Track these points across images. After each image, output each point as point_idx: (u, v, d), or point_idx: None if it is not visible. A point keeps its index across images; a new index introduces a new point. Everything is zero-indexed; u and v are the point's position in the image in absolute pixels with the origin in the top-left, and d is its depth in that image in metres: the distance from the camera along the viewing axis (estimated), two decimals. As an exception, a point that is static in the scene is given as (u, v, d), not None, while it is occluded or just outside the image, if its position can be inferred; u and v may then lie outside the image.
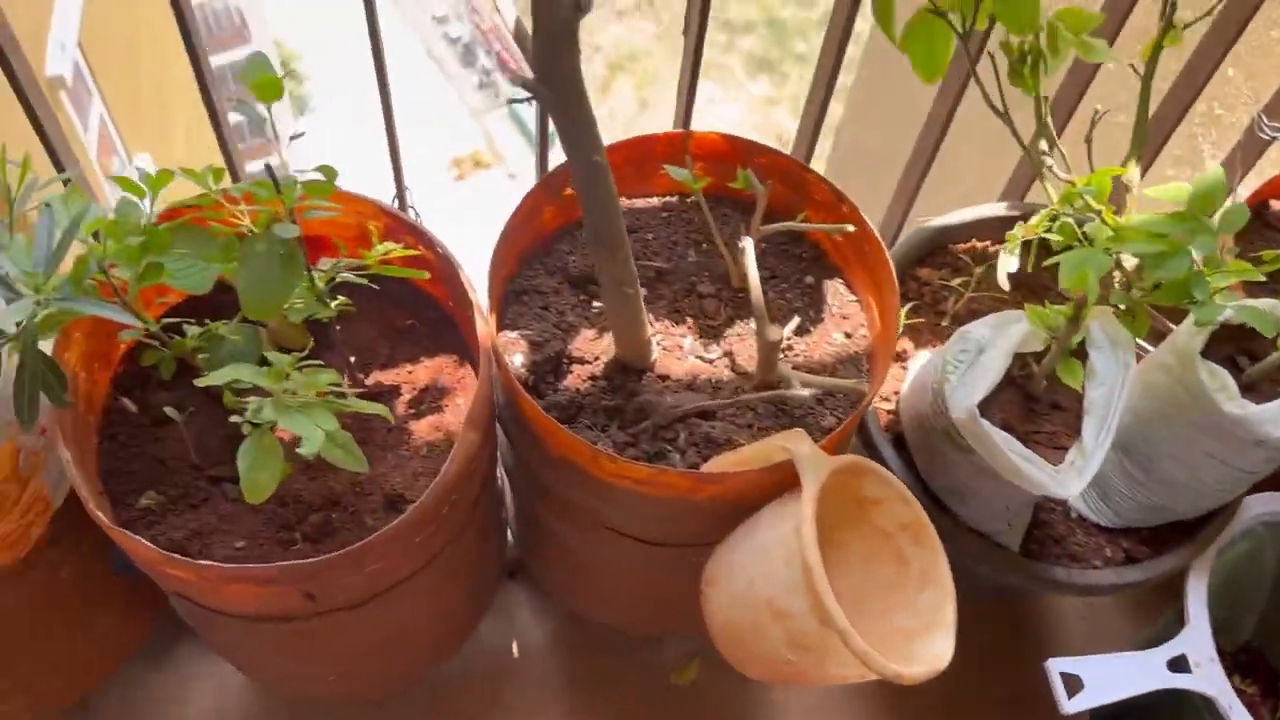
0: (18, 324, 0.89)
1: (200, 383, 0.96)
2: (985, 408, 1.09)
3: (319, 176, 0.99)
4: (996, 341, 1.09)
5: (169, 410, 1.06)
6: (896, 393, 1.32)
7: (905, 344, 1.35)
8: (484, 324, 1.06)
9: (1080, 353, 1.09)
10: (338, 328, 1.12)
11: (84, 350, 1.06)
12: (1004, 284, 1.13)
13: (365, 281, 1.02)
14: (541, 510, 1.22)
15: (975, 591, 1.23)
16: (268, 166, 0.90)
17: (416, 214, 1.31)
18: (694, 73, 1.33)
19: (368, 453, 1.13)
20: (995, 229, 1.40)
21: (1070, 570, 1.21)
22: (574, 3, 0.73)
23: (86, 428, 1.08)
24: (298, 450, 0.89)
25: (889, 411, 1.31)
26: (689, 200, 1.29)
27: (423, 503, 0.96)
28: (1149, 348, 1.28)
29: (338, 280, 1.03)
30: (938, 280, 1.38)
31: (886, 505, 1.09)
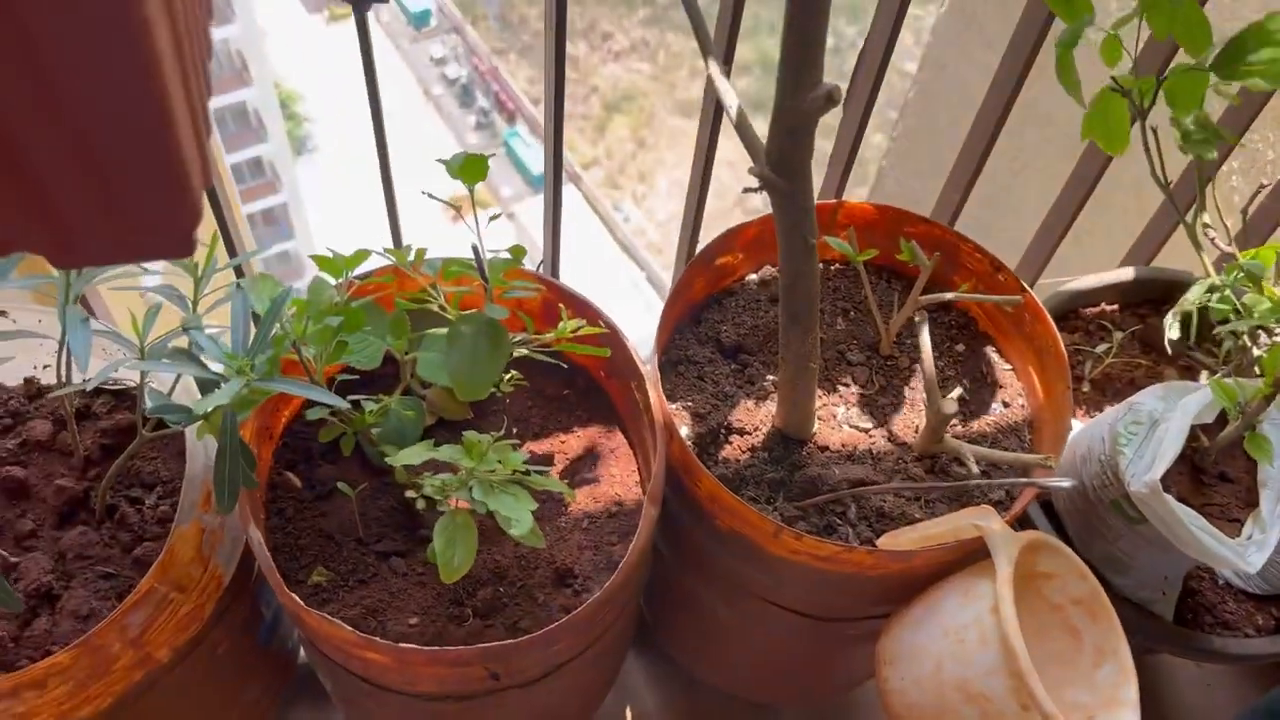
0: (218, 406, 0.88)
1: (393, 461, 0.95)
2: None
3: (506, 255, 0.99)
4: (1171, 413, 1.08)
5: (341, 485, 1.05)
6: (1037, 459, 1.31)
7: (1042, 409, 1.35)
8: (655, 395, 1.05)
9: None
10: (506, 400, 1.11)
11: (256, 427, 1.05)
12: (1169, 349, 1.13)
13: (547, 358, 1.02)
14: (691, 581, 1.21)
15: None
16: (474, 248, 0.90)
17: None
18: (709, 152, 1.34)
19: (528, 525, 1.13)
20: (1124, 294, 1.41)
21: (1226, 639, 1.20)
22: (827, 95, 0.73)
23: (256, 504, 1.07)
24: (510, 532, 0.88)
25: (1032, 478, 1.30)
26: (834, 268, 1.29)
27: (614, 582, 0.95)
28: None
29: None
30: (1070, 345, 1.38)
31: (1059, 580, 1.08)
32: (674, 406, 1.13)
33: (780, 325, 0.97)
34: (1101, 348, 1.32)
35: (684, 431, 1.11)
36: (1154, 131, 1.08)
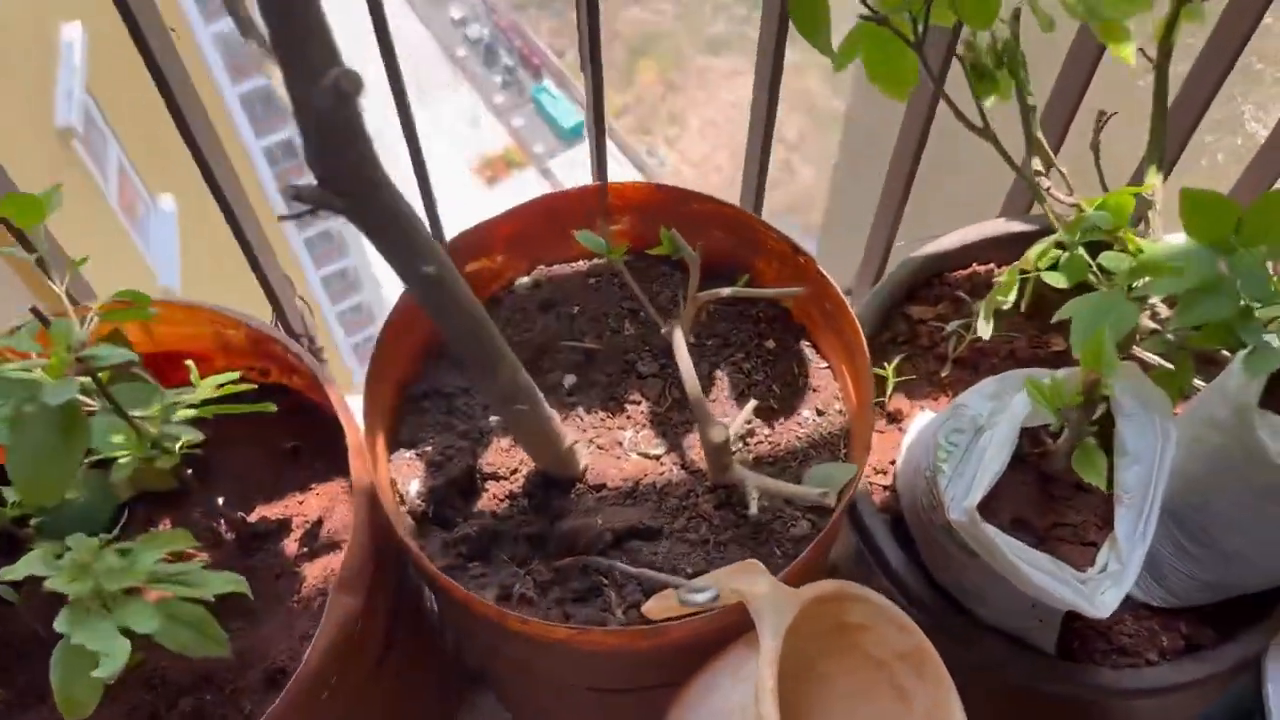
0: None
1: (5, 575, 0.77)
2: (991, 498, 0.88)
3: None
4: (998, 417, 0.87)
5: (1, 590, 0.88)
6: (893, 462, 1.10)
7: (899, 401, 1.13)
8: (359, 458, 0.86)
9: (1103, 419, 0.87)
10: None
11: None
12: (984, 333, 0.91)
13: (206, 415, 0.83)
14: (477, 652, 1.03)
15: (1013, 690, 1.02)
16: (34, 310, 0.72)
17: (307, 307, 1.11)
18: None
19: (255, 609, 0.95)
20: (999, 251, 1.18)
21: (1120, 672, 0.99)
22: (334, 90, 0.53)
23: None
24: (94, 675, 0.70)
25: (884, 487, 1.09)
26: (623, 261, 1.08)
27: (282, 702, 0.77)
28: (1197, 384, 1.05)
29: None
30: (933, 318, 1.16)
31: (876, 632, 0.88)
32: (410, 455, 0.94)
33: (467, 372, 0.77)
34: (955, 324, 1.09)
35: (415, 487, 0.92)
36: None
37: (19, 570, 0.75)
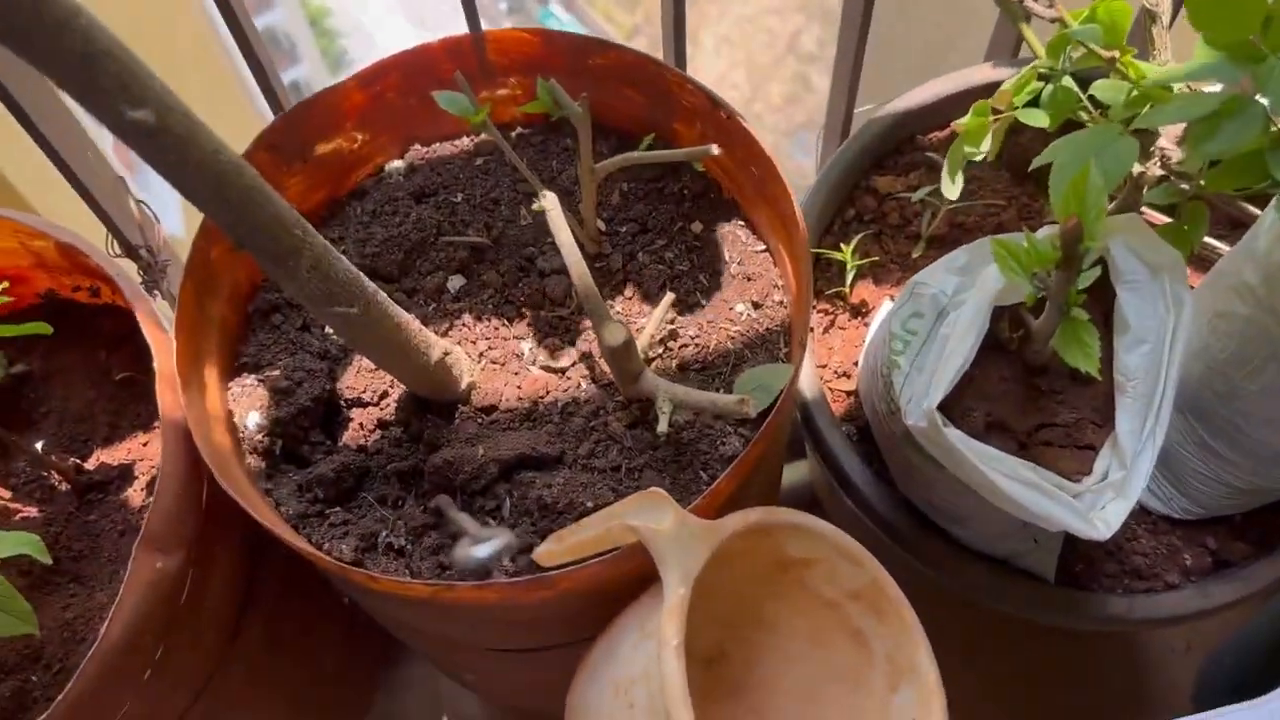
0: None
1: None
2: (959, 396, 0.70)
3: None
4: (964, 295, 0.69)
5: None
6: (857, 363, 0.92)
7: (865, 291, 0.95)
8: (167, 389, 0.70)
9: (1100, 291, 0.69)
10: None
11: None
12: (949, 193, 0.73)
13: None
14: (377, 617, 0.88)
15: (1005, 624, 0.86)
16: None
17: (151, 213, 0.94)
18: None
19: (90, 572, 0.80)
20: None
21: (1134, 598, 0.82)
22: None
23: None
24: None
25: (848, 393, 0.92)
26: (515, 134, 0.90)
27: (72, 690, 0.62)
28: (1219, 248, 0.87)
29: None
30: (904, 190, 0.97)
31: (823, 566, 0.71)
32: (251, 380, 0.78)
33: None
34: (923, 191, 0.90)
35: (255, 420, 0.76)
36: None
37: None
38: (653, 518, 0.62)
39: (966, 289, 0.69)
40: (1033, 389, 0.72)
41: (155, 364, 0.70)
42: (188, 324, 0.72)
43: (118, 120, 0.46)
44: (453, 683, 1.26)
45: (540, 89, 0.72)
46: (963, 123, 0.72)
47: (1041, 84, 0.75)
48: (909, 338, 0.70)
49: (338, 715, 1.04)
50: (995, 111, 0.76)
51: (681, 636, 0.59)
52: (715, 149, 0.70)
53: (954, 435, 0.64)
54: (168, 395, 0.69)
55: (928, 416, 0.64)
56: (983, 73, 0.98)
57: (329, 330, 0.80)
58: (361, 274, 0.64)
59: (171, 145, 0.48)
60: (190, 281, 0.73)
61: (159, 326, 0.73)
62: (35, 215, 0.78)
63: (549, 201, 0.68)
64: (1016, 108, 0.75)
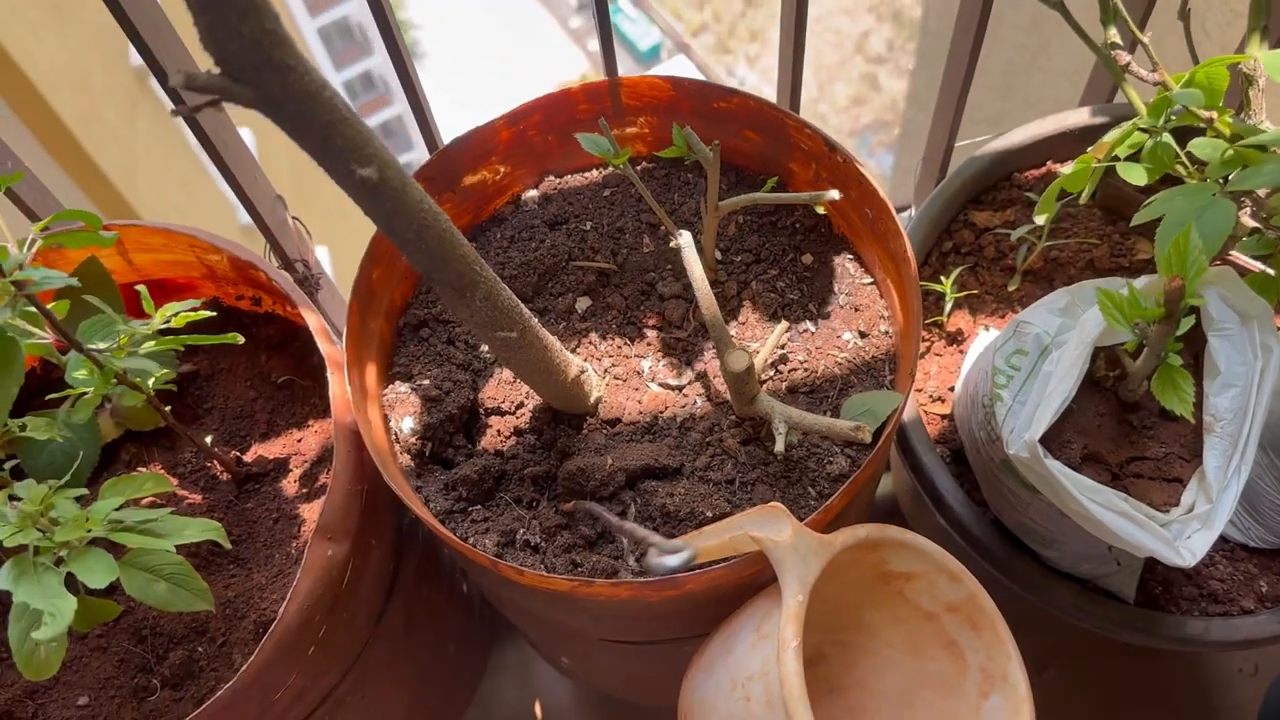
0: None
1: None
2: (1058, 429, 0.76)
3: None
4: (1066, 335, 0.74)
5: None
6: (953, 388, 0.98)
7: (961, 320, 1.01)
8: (340, 394, 0.78)
9: (1191, 334, 0.74)
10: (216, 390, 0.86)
11: None
12: (1039, 219, 0.78)
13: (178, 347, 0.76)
14: (496, 604, 0.96)
15: (1086, 642, 0.91)
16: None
17: (304, 229, 1.03)
18: None
19: (249, 555, 0.89)
20: (1076, 146, 1.03)
21: (1210, 621, 0.87)
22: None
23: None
24: (34, 636, 0.64)
25: (943, 416, 0.98)
26: (640, 167, 0.97)
27: (255, 661, 0.70)
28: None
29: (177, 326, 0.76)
30: (1001, 225, 1.03)
31: (923, 580, 0.77)
32: (405, 389, 0.86)
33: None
34: (1023, 228, 0.96)
35: (409, 424, 0.84)
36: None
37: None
38: (773, 529, 0.69)
39: (1068, 329, 0.75)
40: (1125, 424, 0.77)
41: (329, 373, 0.79)
42: (354, 337, 0.80)
43: (347, 176, 0.54)
44: (544, 669, 1.34)
45: (675, 136, 0.79)
46: (1062, 169, 0.78)
47: (1144, 137, 0.80)
48: (1012, 372, 0.76)
49: (453, 693, 1.12)
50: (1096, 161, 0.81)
51: (800, 639, 0.66)
52: (836, 194, 0.77)
53: (1055, 466, 0.69)
54: (340, 401, 0.78)
55: (1030, 448, 0.70)
56: (1079, 117, 1.03)
57: (480, 347, 0.88)
58: (520, 302, 0.71)
59: (388, 197, 0.56)
60: (356, 300, 0.81)
61: (329, 338, 0.81)
62: (214, 233, 0.86)
63: (685, 240, 0.75)
64: (1117, 158, 0.80)
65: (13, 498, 0.70)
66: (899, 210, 0.83)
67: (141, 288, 0.72)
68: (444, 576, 1.00)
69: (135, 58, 5.49)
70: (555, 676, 1.33)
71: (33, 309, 0.69)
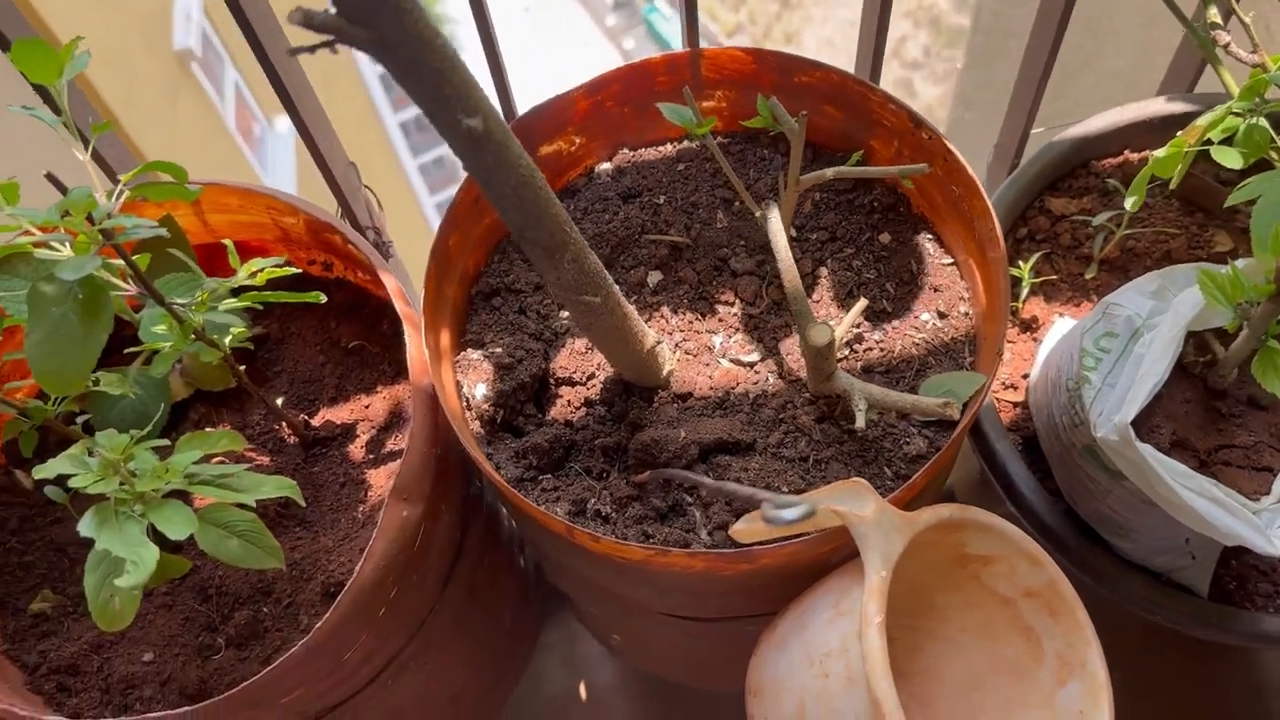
0: None
1: (38, 474, 0.71)
2: (1147, 414, 0.75)
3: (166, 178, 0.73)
4: (1159, 318, 0.73)
5: (50, 491, 0.83)
6: (1026, 376, 0.97)
7: (1035, 307, 0.99)
8: (418, 359, 0.78)
9: (1291, 324, 0.73)
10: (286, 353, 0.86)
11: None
12: (1129, 205, 0.77)
13: (250, 305, 0.75)
14: (553, 570, 0.95)
15: (1164, 639, 0.89)
16: (49, 176, 0.64)
17: (373, 197, 1.03)
18: None
19: (315, 517, 0.89)
20: (1157, 135, 1.02)
21: (1289, 618, 0.86)
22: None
23: (-38, 515, 0.87)
24: (116, 583, 0.64)
25: (1015, 404, 0.96)
26: (718, 140, 0.96)
27: (330, 620, 0.70)
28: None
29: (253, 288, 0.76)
30: (1077, 212, 1.01)
31: (1002, 565, 0.76)
32: (477, 356, 0.86)
33: (525, 251, 0.67)
34: (1102, 216, 0.94)
35: (482, 390, 0.84)
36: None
37: (50, 469, 0.68)
38: (856, 504, 0.68)
39: (1160, 312, 0.74)
40: (1213, 411, 0.76)
41: (406, 335, 0.78)
42: (431, 303, 0.80)
43: (454, 126, 0.54)
44: (589, 650, 1.34)
45: (761, 106, 0.78)
46: (1140, 156, 0.76)
47: (1237, 121, 0.79)
48: (1101, 355, 0.74)
49: (508, 666, 1.12)
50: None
51: (884, 615, 0.65)
52: (925, 167, 0.76)
53: (1146, 450, 0.68)
54: (418, 364, 0.77)
55: (1120, 431, 0.69)
56: (1158, 105, 1.01)
57: (550, 318, 0.87)
58: (604, 268, 0.71)
59: (492, 150, 0.56)
60: (433, 265, 0.81)
61: (406, 301, 0.81)
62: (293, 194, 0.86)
63: (773, 214, 0.75)
64: (1209, 143, 0.79)
65: (91, 451, 0.71)
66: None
67: (228, 242, 0.72)
68: (503, 547, 1.00)
69: (178, 41, 5.54)
70: (600, 657, 1.33)
71: (114, 260, 0.70)
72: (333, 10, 0.49)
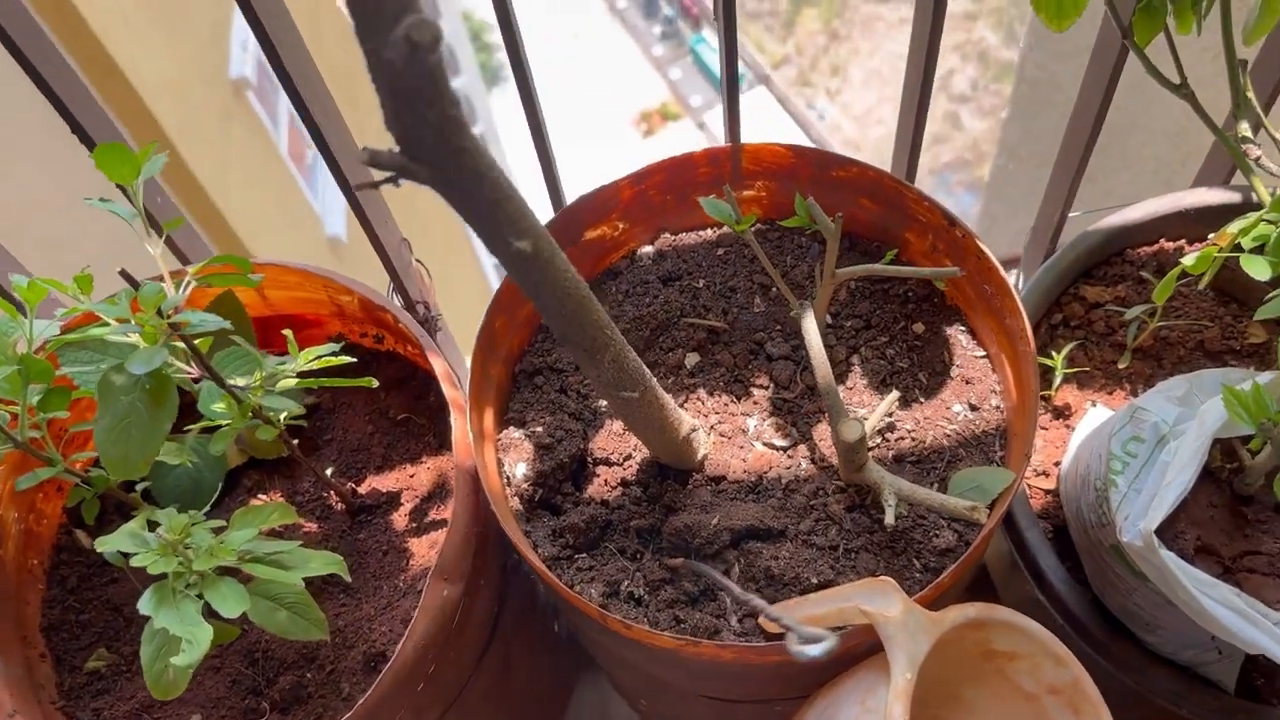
0: None
1: (100, 547, 0.75)
2: (1172, 519, 0.76)
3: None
4: (1185, 425, 0.74)
5: (109, 554, 0.87)
6: (1058, 464, 0.98)
7: (1069, 394, 1.01)
8: (463, 439, 0.81)
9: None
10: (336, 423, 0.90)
11: (9, 486, 0.89)
12: (1157, 298, 0.78)
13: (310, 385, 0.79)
14: (590, 647, 0.97)
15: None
16: (122, 273, 0.68)
17: (425, 272, 1.07)
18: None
19: (358, 585, 0.92)
20: (1192, 225, 1.03)
21: (1317, 719, 0.86)
22: (405, 42, 0.46)
23: (26, 572, 0.91)
24: (173, 662, 0.67)
25: (1046, 491, 0.97)
26: (751, 230, 0.99)
27: (371, 697, 0.73)
28: None
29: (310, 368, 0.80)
30: (1111, 300, 1.02)
31: (1027, 661, 0.77)
32: (519, 435, 0.89)
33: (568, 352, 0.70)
34: (1138, 309, 0.96)
35: (522, 469, 0.87)
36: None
37: (111, 543, 0.72)
38: (882, 603, 0.70)
39: (1186, 419, 0.75)
40: (1239, 516, 0.77)
41: (452, 417, 0.82)
42: (476, 383, 0.83)
43: (504, 248, 0.57)
44: (618, 711, 1.36)
45: (798, 205, 0.81)
46: (1176, 246, 0.78)
47: (1269, 229, 0.80)
48: (1129, 459, 0.76)
49: (539, 730, 1.15)
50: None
51: (908, 717, 0.67)
52: (959, 271, 0.78)
53: (1169, 558, 0.69)
54: (462, 446, 0.81)
55: (1145, 538, 0.70)
56: (1195, 196, 1.03)
57: (591, 398, 0.90)
58: (643, 364, 0.73)
59: (538, 268, 0.59)
60: (479, 348, 0.84)
61: (453, 383, 0.84)
62: (348, 276, 0.90)
63: (807, 315, 0.77)
64: (1241, 249, 0.80)
65: (151, 523, 0.75)
66: (1004, 266, 0.84)
67: (287, 332, 0.76)
68: (538, 617, 1.02)
69: (234, 70, 5.67)
70: (632, 717, 1.35)
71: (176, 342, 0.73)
72: (396, 150, 0.52)
